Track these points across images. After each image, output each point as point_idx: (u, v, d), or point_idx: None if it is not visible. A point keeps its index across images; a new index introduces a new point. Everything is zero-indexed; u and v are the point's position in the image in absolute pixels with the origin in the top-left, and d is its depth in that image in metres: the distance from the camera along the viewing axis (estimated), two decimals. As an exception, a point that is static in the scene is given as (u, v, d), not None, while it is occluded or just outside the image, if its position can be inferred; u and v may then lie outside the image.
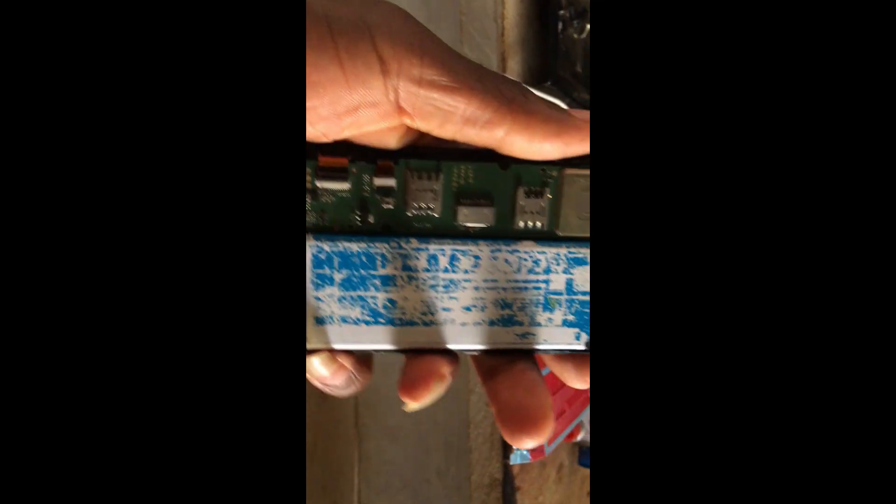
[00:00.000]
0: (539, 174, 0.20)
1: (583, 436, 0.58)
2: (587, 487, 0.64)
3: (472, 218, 0.20)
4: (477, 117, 0.18)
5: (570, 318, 0.20)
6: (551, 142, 0.18)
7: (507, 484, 0.50)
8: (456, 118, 0.18)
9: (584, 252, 0.20)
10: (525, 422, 0.19)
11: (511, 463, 0.47)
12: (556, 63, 0.50)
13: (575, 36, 0.56)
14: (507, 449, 0.49)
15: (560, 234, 0.20)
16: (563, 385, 0.50)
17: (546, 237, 0.20)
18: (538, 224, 0.20)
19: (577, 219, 0.20)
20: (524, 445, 0.19)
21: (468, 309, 0.20)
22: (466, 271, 0.20)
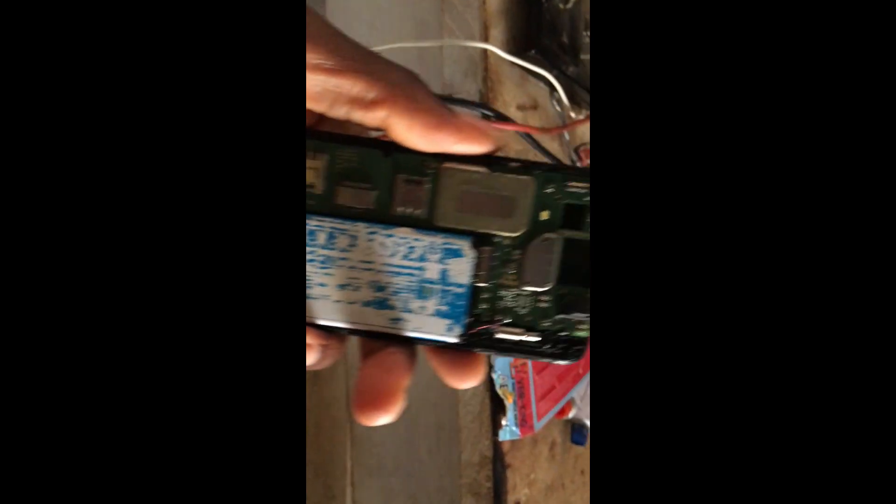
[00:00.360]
0: (419, 164, 0.20)
1: (574, 413, 0.57)
2: (581, 465, 0.64)
3: (351, 199, 0.20)
4: (362, 98, 0.19)
5: (444, 308, 0.21)
6: (430, 134, 0.19)
7: (498, 461, 0.50)
8: (343, 99, 0.19)
9: (460, 244, 0.20)
10: (370, 399, 0.19)
11: (500, 439, 0.46)
12: (540, 32, 0.48)
13: (560, 6, 0.55)
14: (496, 426, 0.49)
15: (437, 224, 0.20)
16: (552, 361, 0.50)
17: (423, 225, 0.21)
18: (416, 212, 0.20)
19: (454, 211, 0.20)
20: (368, 421, 0.19)
21: (342, 287, 0.21)
22: (343, 250, 0.20)
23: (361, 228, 0.20)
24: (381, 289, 0.21)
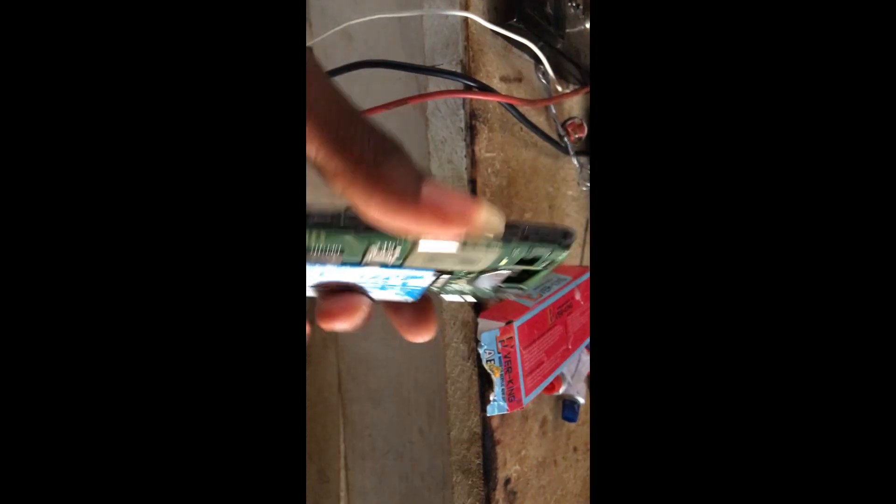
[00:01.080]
0: (392, 238, 0.20)
1: (565, 389, 0.57)
2: (573, 442, 0.63)
3: (325, 257, 0.21)
4: (323, 168, 0.17)
5: (403, 295, 0.24)
6: (388, 217, 0.18)
7: (487, 438, 0.49)
8: (310, 163, 0.17)
9: (423, 274, 0.22)
10: (333, 309, 0.23)
11: (488, 414, 0.46)
12: (522, 1, 0.47)
13: (545, -24, 0.54)
14: (484, 402, 0.48)
15: (405, 266, 0.21)
16: (540, 335, 0.49)
17: (392, 267, 0.22)
18: (388, 262, 0.21)
19: (422, 262, 0.21)
20: (328, 325, 0.22)
21: (314, 286, 0.24)
22: (317, 274, 0.23)
23: (333, 267, 0.21)
24: (348, 287, 0.23)
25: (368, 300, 0.23)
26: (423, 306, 0.24)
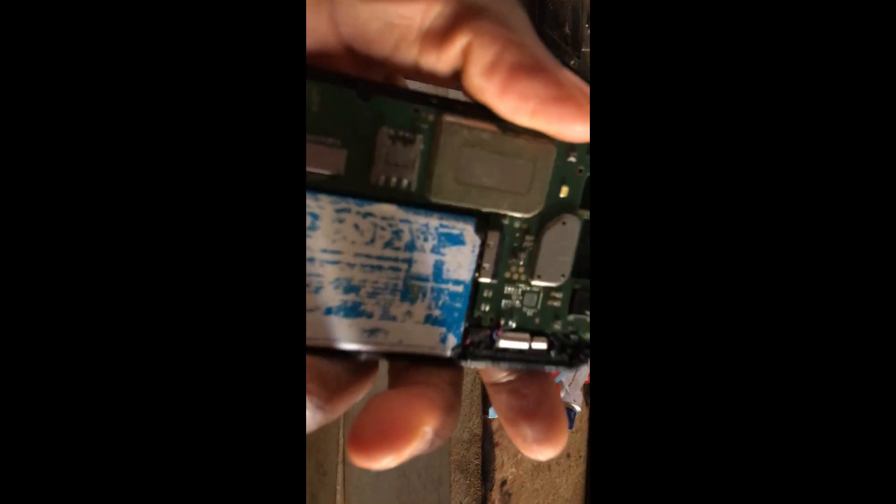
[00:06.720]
0: (411, 115, 0.15)
1: (562, 396, 0.59)
2: (567, 449, 0.65)
3: (312, 161, 0.14)
4: (435, 28, 0.14)
5: (436, 313, 0.16)
6: (518, 80, 0.14)
7: (487, 440, 0.51)
8: (411, 34, 0.15)
9: (462, 228, 0.16)
10: (373, 432, 0.14)
11: (490, 417, 0.48)
12: (543, 22, 0.49)
13: (564, -3, 0.56)
14: (486, 405, 0.50)
15: (432, 199, 0.15)
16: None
17: (413, 201, 0.15)
18: (404, 182, 0.15)
19: (454, 182, 0.15)
20: (364, 462, 0.14)
21: None
22: None
23: (326, 204, 0.15)
24: (352, 289, 0.15)
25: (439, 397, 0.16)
26: (550, 408, 0.17)
